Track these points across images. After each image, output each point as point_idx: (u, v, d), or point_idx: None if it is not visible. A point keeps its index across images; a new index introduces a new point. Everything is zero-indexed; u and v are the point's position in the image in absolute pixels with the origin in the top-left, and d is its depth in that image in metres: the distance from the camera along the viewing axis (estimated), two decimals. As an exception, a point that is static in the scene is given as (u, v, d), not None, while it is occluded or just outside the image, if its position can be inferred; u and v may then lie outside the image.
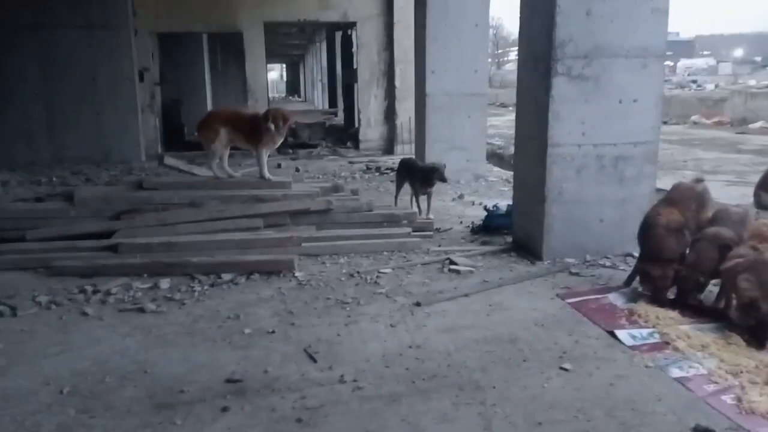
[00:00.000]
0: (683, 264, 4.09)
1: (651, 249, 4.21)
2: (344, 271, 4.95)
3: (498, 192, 8.25)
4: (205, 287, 4.57)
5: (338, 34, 17.45)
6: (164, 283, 4.60)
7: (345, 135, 14.01)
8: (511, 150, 8.06)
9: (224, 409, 2.90)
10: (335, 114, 19.01)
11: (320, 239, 5.50)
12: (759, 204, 5.69)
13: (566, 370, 3.28)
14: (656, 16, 4.99)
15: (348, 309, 4.17)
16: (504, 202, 6.32)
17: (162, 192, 5.93)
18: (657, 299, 4.12)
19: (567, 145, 5.03)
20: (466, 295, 4.43)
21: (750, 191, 6.47)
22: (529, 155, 5.38)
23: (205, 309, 4.18)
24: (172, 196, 5.81)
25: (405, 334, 3.76)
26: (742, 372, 3.19)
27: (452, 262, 5.15)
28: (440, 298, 4.38)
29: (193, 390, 3.10)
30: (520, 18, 5.48)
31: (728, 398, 2.97)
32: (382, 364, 3.36)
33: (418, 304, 4.22)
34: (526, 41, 5.41)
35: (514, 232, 5.71)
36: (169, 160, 6.98)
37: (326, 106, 24.08)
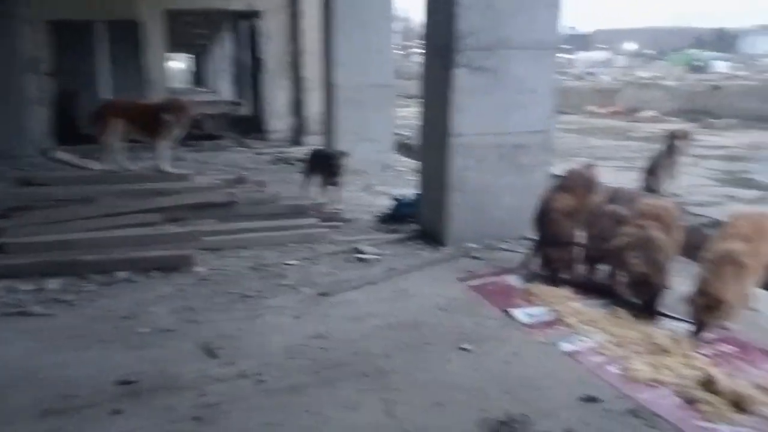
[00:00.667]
0: (589, 239, 4.35)
1: (549, 233, 4.41)
2: (249, 264, 4.86)
3: (406, 182, 8.35)
4: (99, 287, 4.34)
5: (245, 24, 17.02)
6: (53, 283, 4.34)
7: (252, 126, 13.71)
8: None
9: (117, 412, 2.78)
10: (241, 105, 18.56)
11: (223, 233, 5.37)
12: (646, 187, 6.09)
13: (466, 351, 3.39)
14: (550, 11, 5.21)
15: (252, 303, 4.10)
16: (411, 192, 6.41)
17: (53, 188, 5.59)
18: (555, 279, 4.32)
19: (469, 135, 5.17)
20: (372, 283, 4.47)
21: (638, 175, 6.90)
22: (433, 145, 5.48)
23: (98, 309, 3.98)
24: (63, 192, 5.49)
25: (310, 324, 3.75)
26: (627, 343, 3.41)
27: (359, 251, 5.18)
28: (347, 287, 4.39)
29: (85, 395, 2.94)
30: (425, 10, 5.55)
31: (614, 368, 3.17)
32: (285, 356, 3.34)
33: (324, 295, 4.21)
34: (430, 33, 5.50)
35: (421, 220, 5.81)
36: (61, 154, 6.60)
37: (232, 96, 23.50)
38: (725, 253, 3.50)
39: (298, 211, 5.90)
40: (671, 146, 6.27)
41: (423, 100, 5.69)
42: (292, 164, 9.54)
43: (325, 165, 6.50)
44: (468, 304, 4.07)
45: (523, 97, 5.24)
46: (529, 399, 2.89)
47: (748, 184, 7.52)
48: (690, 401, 2.82)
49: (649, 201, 4.62)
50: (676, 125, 9.17)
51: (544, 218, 4.46)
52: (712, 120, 15.03)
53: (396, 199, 6.30)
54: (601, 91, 22.06)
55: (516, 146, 5.32)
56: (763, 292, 3.99)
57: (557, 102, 5.56)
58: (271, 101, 12.65)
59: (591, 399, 2.86)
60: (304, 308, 4.00)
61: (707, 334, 3.50)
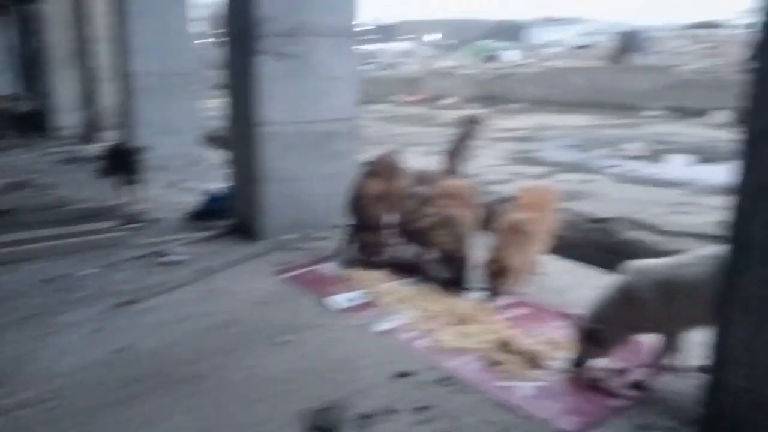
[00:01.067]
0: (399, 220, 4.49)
1: (362, 219, 4.49)
2: (37, 278, 4.32)
3: (216, 176, 7.98)
4: None
5: (25, 9, 15.04)
6: None
7: (36, 123, 12.22)
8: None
9: None
10: (23, 99, 16.46)
11: (4, 245, 4.70)
12: (447, 169, 6.45)
13: (285, 343, 3.33)
14: (347, -4, 5.28)
15: (41, 320, 3.64)
16: (222, 186, 6.16)
17: None
18: (372, 263, 4.41)
19: (277, 124, 5.07)
20: (181, 286, 4.22)
21: (440, 159, 7.32)
22: (241, 136, 5.29)
23: None
24: None
25: (111, 338, 3.42)
26: (436, 317, 3.59)
27: (166, 254, 4.86)
28: (152, 293, 4.08)
29: None
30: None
31: (425, 342, 3.32)
32: (81, 376, 3.01)
33: (127, 303, 3.88)
34: (230, 18, 5.28)
35: (234, 215, 5.61)
36: None
37: (13, 90, 20.75)
38: (511, 223, 3.84)
39: (94, 214, 5.37)
40: (467, 130, 6.72)
41: (228, 89, 5.47)
42: (86, 163, 8.67)
43: (123, 162, 5.98)
44: (285, 296, 4.00)
45: (328, 85, 5.26)
46: (345, 381, 2.91)
47: (535, 161, 8.38)
48: (491, 364, 3.05)
49: (448, 182, 4.92)
50: (473, 110, 9.89)
51: (356, 204, 4.54)
52: (504, 105, 16.53)
53: (206, 195, 6.01)
54: (406, 81, 23.14)
55: (325, 134, 5.34)
56: (550, 257, 4.46)
57: (363, 90, 5.67)
58: (57, 94, 11.38)
59: (404, 374, 2.96)
60: (104, 321, 3.64)
61: (504, 300, 3.82)
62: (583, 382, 2.85)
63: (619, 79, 15.90)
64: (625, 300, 2.73)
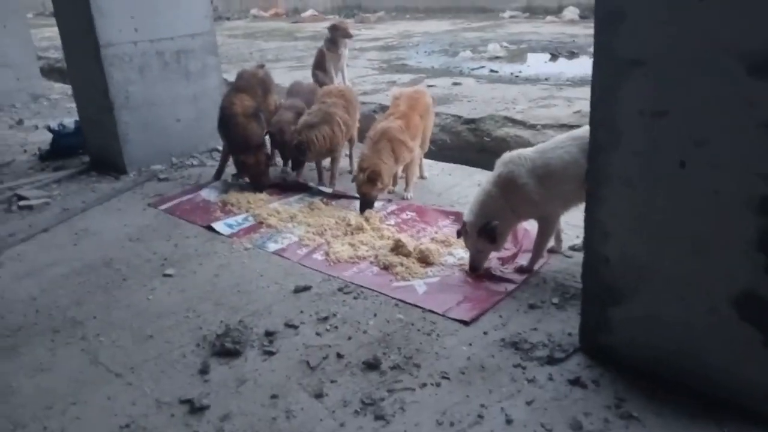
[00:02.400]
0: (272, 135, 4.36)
1: (237, 139, 4.25)
2: None
3: (65, 110, 7.24)
4: None
5: None
6: None
7: None
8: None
9: None
10: None
11: None
12: (317, 81, 6.28)
13: (170, 276, 3.17)
14: None
15: None
16: (71, 120, 5.58)
17: None
18: (258, 185, 4.24)
19: (121, 44, 4.60)
20: (45, 230, 3.86)
21: (308, 72, 7.11)
22: (82, 60, 4.75)
23: None
24: None
25: (-30, 295, 3.08)
26: (325, 230, 3.56)
27: (21, 198, 4.39)
28: (13, 241, 3.71)
29: None
30: None
31: (318, 255, 3.30)
32: (-58, 340, 2.69)
33: (-16, 255, 3.49)
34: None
35: (90, 150, 5.14)
36: None
37: None
38: (380, 130, 3.83)
39: None
40: (334, 39, 6.53)
41: (56, 7, 4.84)
42: None
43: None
44: (163, 228, 3.79)
45: (174, -4, 4.81)
46: (242, 304, 2.84)
47: (404, 69, 8.34)
48: (385, 267, 3.10)
49: (332, 85, 4.82)
50: (335, 20, 9.60)
51: (229, 124, 4.27)
52: (365, 14, 16.18)
53: (54, 131, 5.43)
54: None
55: (178, 52, 4.94)
56: (429, 161, 4.55)
57: (214, 6, 5.25)
58: None
59: (302, 288, 2.94)
60: (-42, 277, 3.26)
61: (389, 206, 3.87)
62: (474, 275, 2.99)
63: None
64: (507, 190, 2.84)
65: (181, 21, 4.88)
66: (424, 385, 2.24)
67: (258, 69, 4.84)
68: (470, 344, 2.46)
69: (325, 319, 2.68)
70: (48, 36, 12.95)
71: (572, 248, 3.17)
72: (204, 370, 2.38)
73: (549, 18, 13.37)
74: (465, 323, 2.60)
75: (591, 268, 2.25)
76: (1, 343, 2.66)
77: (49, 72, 10.01)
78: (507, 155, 2.95)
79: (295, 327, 2.64)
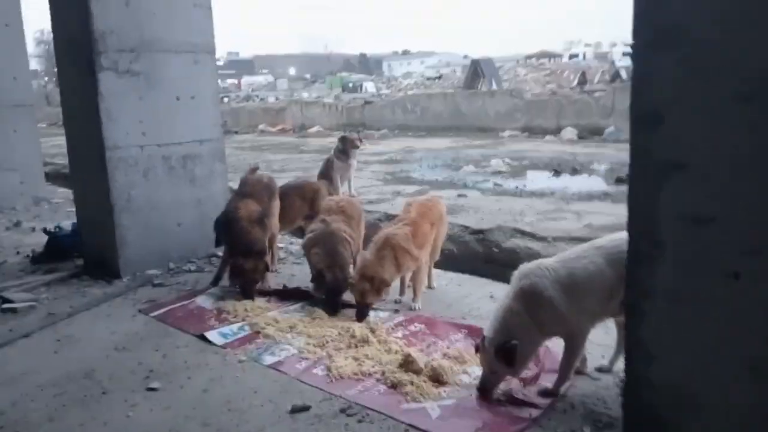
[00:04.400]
0: None
1: (239, 243, 4.07)
2: None
3: (66, 214, 7.14)
4: None
5: None
6: None
7: None
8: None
9: None
10: None
11: None
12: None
13: (155, 389, 2.86)
14: (200, 11, 4.90)
15: None
16: (69, 222, 5.45)
17: None
18: (247, 292, 4.01)
19: (127, 147, 4.55)
20: (26, 336, 3.58)
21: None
22: (87, 163, 4.70)
23: None
24: None
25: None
26: (327, 342, 3.29)
27: (5, 300, 4.15)
28: (-8, 346, 3.43)
29: None
30: (51, 8, 4.71)
31: (319, 370, 3.00)
32: None
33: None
34: (64, 33, 4.70)
35: (85, 253, 4.94)
36: None
37: None
38: (384, 236, 3.68)
39: None
40: (345, 150, 6.58)
41: (66, 111, 4.85)
42: None
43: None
44: (152, 337, 3.51)
45: (183, 104, 4.84)
46: (233, 425, 2.52)
47: (408, 180, 8.40)
48: (394, 386, 2.80)
49: (333, 197, 4.70)
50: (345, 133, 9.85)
51: (232, 229, 4.12)
52: (368, 131, 16.69)
53: (50, 233, 5.28)
54: (268, 111, 22.76)
55: (185, 157, 4.89)
56: (437, 271, 4.35)
57: (224, 121, 5.29)
58: None
59: (300, 409, 2.63)
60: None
61: (396, 317, 3.62)
62: (492, 397, 2.69)
63: (475, 103, 16.68)
64: (530, 304, 2.61)
65: (190, 127, 4.88)
66: None
67: (262, 174, 4.77)
68: (493, 480, 2.13)
69: (326, 445, 2.37)
70: (58, 143, 13.20)
71: (599, 370, 2.89)
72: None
73: (548, 137, 13.75)
74: (486, 454, 2.28)
75: (633, 394, 1.99)
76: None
77: (55, 177, 10.07)
78: (526, 267, 2.74)
79: (291, 455, 2.31)
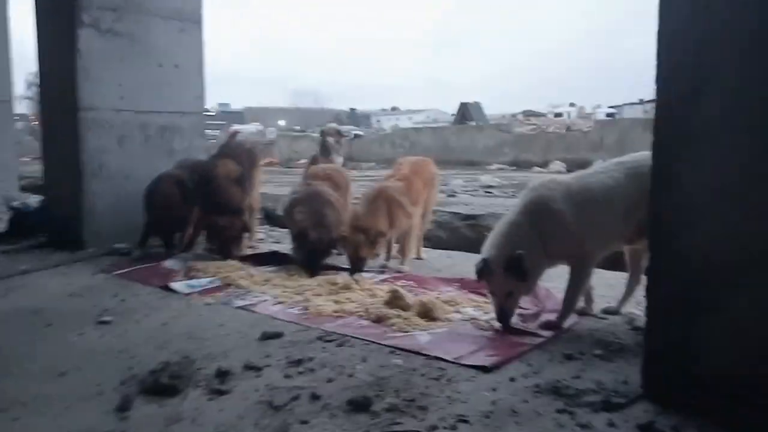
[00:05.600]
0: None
1: (215, 200, 3.79)
2: None
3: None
4: None
5: None
6: None
7: None
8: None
9: None
10: None
11: None
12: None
13: (107, 322, 2.53)
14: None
15: None
16: (36, 198, 5.13)
17: None
18: (224, 251, 3.71)
19: (103, 110, 4.29)
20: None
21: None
22: (59, 124, 4.40)
23: None
24: None
25: None
26: (305, 291, 2.97)
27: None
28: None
29: None
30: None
31: (295, 310, 2.69)
32: None
33: None
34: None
35: (51, 224, 4.58)
36: None
37: None
38: (377, 189, 3.44)
39: None
40: (324, 144, 6.38)
41: (43, 71, 4.59)
42: None
43: None
44: (112, 287, 3.17)
45: (166, 72, 4.59)
46: (192, 349, 2.19)
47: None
48: (378, 320, 2.49)
49: (320, 165, 4.47)
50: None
51: (209, 185, 3.84)
52: (356, 163, 16.61)
53: (14, 208, 4.94)
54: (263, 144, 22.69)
55: (164, 127, 4.63)
56: (428, 250, 4.06)
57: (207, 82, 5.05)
58: None
59: (272, 335, 2.31)
60: None
61: (383, 275, 3.33)
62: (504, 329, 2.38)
63: (463, 137, 16.71)
64: (538, 217, 2.35)
65: (171, 97, 4.63)
66: (434, 428, 1.58)
67: (248, 140, 4.54)
68: (494, 389, 1.83)
69: (299, 362, 2.04)
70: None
71: (606, 312, 2.60)
72: (123, 407, 1.71)
73: (536, 169, 13.67)
74: (485, 369, 1.96)
75: (659, 275, 1.71)
76: None
77: (30, 189, 9.74)
78: (537, 180, 2.51)
79: (258, 369, 1.99)
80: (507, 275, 2.28)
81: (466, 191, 7.58)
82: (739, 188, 1.53)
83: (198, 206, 3.92)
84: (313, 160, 6.51)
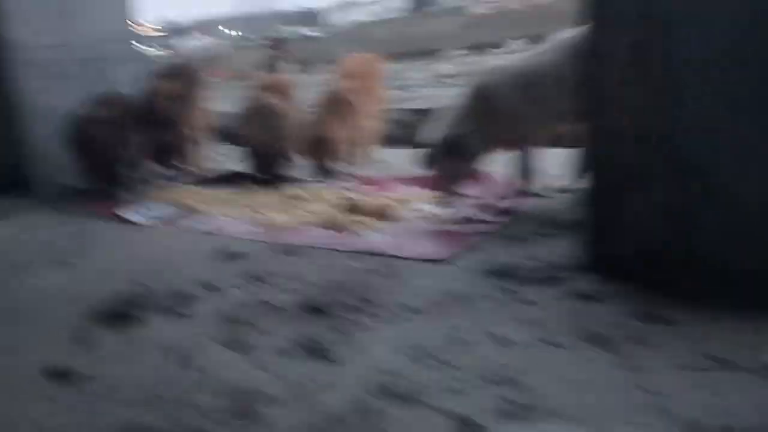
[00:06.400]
0: None
1: (155, 118, 3.73)
2: None
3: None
4: None
5: None
6: None
7: None
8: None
9: None
10: None
11: None
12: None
13: (64, 262, 2.50)
14: None
15: None
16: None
17: None
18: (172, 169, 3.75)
19: (36, 48, 4.01)
20: None
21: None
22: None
23: None
24: None
25: None
26: (259, 206, 2.98)
27: None
28: None
29: None
30: None
31: (255, 227, 2.71)
32: None
33: None
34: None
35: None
36: None
37: None
38: (326, 95, 3.38)
39: None
40: (270, 57, 6.19)
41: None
42: None
43: None
44: (64, 226, 3.08)
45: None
46: (151, 275, 2.20)
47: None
48: (337, 227, 2.53)
49: (267, 76, 4.35)
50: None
51: (149, 105, 3.75)
52: (312, 65, 16.23)
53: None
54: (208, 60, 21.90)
55: (97, 59, 4.39)
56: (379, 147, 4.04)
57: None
58: None
59: (233, 256, 2.35)
60: None
61: (339, 181, 3.34)
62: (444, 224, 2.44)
63: (419, 26, 16.22)
64: (481, 102, 2.36)
65: (97, 25, 4.36)
66: (390, 321, 1.67)
67: (193, 62, 4.37)
68: (446, 279, 1.91)
69: (259, 278, 2.09)
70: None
71: (552, 189, 2.67)
72: (81, 338, 1.76)
73: (493, 52, 13.44)
74: (439, 262, 2.04)
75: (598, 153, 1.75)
76: None
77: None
78: (485, 66, 2.52)
79: (219, 289, 2.04)
80: (449, 158, 2.32)
81: (422, 84, 7.46)
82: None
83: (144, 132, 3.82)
84: (260, 73, 6.36)
